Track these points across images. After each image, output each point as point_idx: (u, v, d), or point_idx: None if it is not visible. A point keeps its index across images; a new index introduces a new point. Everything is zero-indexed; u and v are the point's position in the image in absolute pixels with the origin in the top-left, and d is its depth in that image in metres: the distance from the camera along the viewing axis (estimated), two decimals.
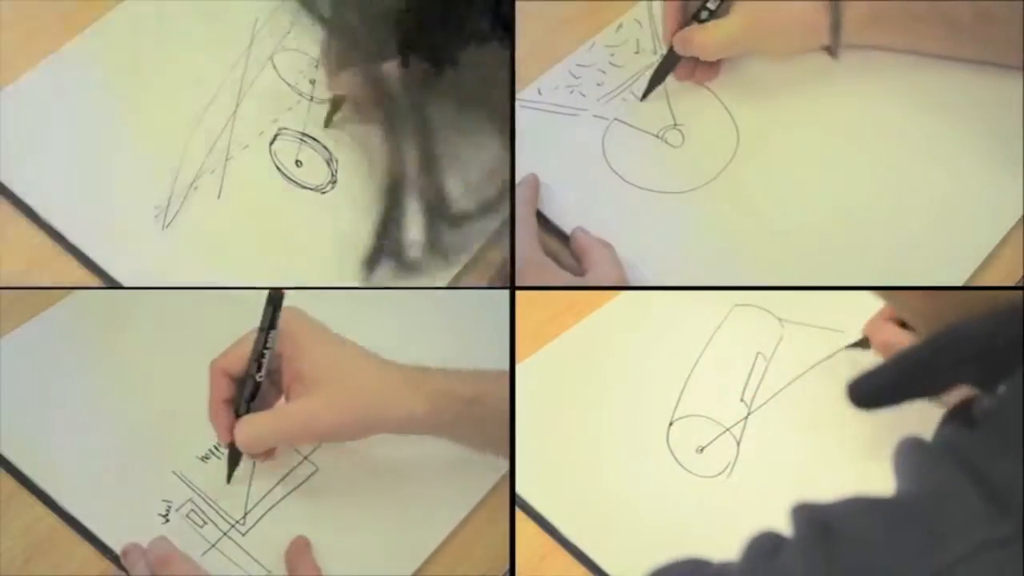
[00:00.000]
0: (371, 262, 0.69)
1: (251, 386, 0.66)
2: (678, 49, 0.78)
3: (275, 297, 0.67)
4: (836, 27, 0.77)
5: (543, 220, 0.76)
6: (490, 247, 0.76)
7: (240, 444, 0.66)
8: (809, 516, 0.41)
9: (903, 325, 0.72)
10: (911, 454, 0.43)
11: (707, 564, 0.45)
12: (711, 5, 0.77)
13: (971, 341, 0.44)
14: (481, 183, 0.67)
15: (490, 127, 0.60)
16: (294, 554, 0.67)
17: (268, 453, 0.69)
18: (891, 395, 0.48)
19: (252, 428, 0.65)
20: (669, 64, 0.80)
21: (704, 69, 0.81)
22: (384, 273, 0.69)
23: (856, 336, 0.76)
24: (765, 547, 0.43)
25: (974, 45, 0.78)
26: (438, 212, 0.66)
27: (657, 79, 0.80)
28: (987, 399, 0.43)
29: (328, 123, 0.78)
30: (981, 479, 0.38)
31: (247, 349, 0.67)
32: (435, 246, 0.68)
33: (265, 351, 0.66)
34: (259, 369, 0.66)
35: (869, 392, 0.49)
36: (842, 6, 0.76)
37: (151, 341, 0.77)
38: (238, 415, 0.66)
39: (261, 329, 0.66)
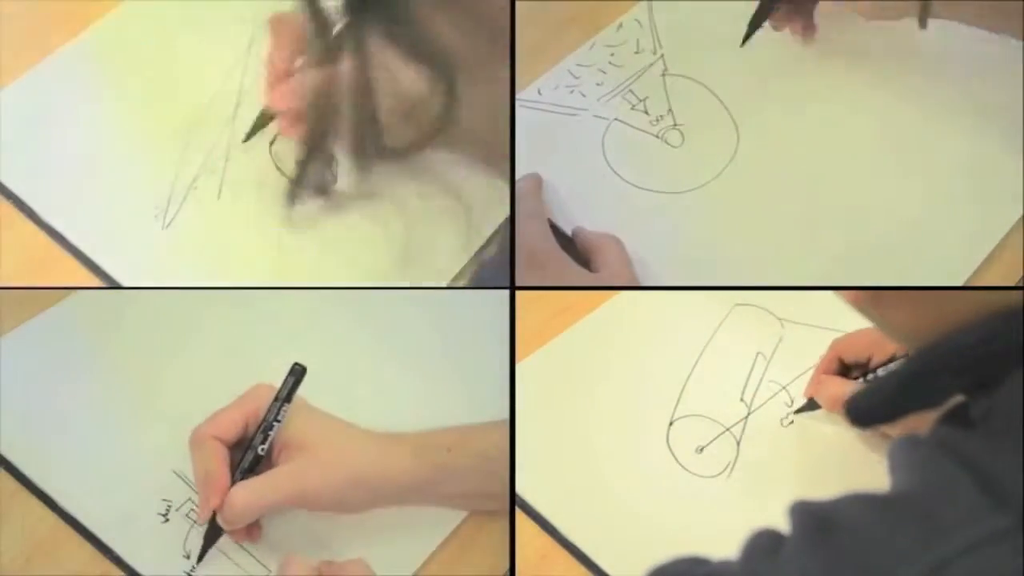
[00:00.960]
0: (293, 195, 0.67)
1: (251, 458, 0.65)
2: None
3: (298, 370, 0.67)
4: None
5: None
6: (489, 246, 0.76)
7: (236, 511, 0.63)
8: (807, 513, 0.42)
9: (843, 372, 0.73)
10: (907, 451, 0.43)
11: (705, 562, 0.45)
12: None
13: (966, 350, 0.44)
14: (411, 118, 0.64)
15: (417, 58, 0.57)
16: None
17: (252, 530, 0.67)
18: (889, 411, 0.48)
19: (247, 493, 0.64)
20: (766, 9, 0.80)
21: (798, 20, 0.81)
22: (309, 209, 0.67)
23: (800, 402, 0.76)
24: (764, 545, 0.43)
25: None
26: (368, 144, 0.63)
27: (755, 24, 0.81)
28: (984, 400, 0.43)
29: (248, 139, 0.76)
30: (980, 474, 0.38)
31: (234, 417, 0.66)
32: (362, 181, 0.65)
33: (275, 423, 0.66)
34: (264, 441, 0.65)
35: (867, 410, 0.49)
36: None
37: (151, 341, 0.77)
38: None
39: (277, 399, 0.66)
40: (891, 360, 0.71)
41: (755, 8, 0.80)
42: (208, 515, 0.65)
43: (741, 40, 0.81)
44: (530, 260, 0.70)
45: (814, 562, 0.39)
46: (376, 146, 0.59)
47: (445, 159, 0.63)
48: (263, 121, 0.75)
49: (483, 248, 0.73)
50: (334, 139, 0.61)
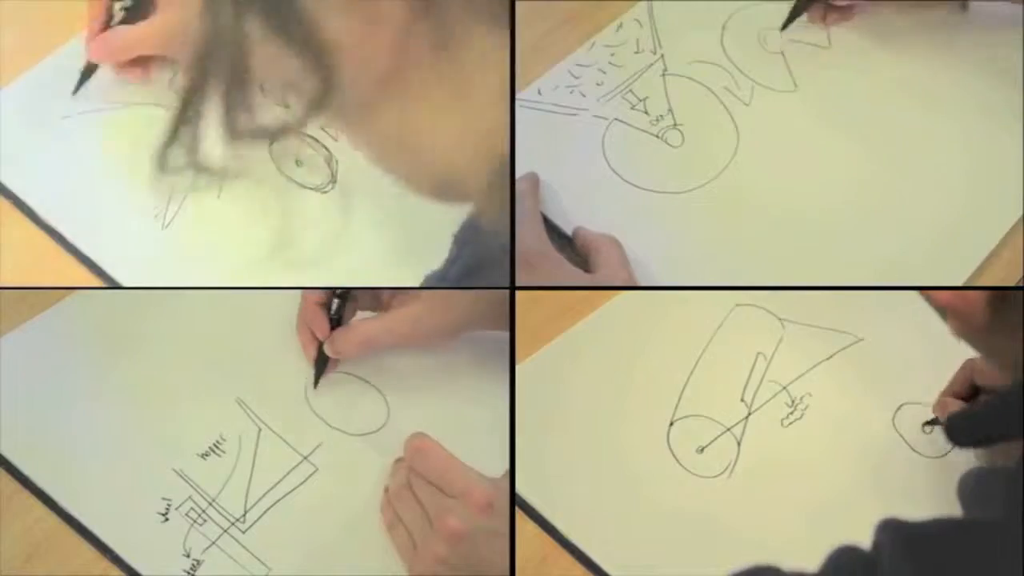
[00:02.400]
0: (162, 159, 0.66)
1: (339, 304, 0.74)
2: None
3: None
4: None
5: (543, 221, 0.76)
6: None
7: (355, 346, 0.73)
8: (898, 533, 0.42)
9: (972, 396, 0.71)
10: (986, 482, 0.44)
11: (780, 571, 0.46)
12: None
13: None
14: (286, 96, 0.64)
15: (286, 47, 0.57)
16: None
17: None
18: (984, 436, 0.49)
19: (366, 329, 0.73)
20: (804, 2, 0.81)
21: (836, 12, 0.82)
22: (179, 178, 0.67)
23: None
24: (853, 561, 0.43)
25: None
26: (244, 122, 0.63)
27: (795, 14, 0.82)
28: None
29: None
30: None
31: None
32: (236, 157, 0.65)
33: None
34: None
35: (963, 432, 0.50)
36: None
37: (151, 341, 0.77)
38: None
39: None
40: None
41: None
42: (314, 352, 0.75)
43: (782, 24, 0.83)
44: (523, 261, 0.70)
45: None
46: (247, 122, 0.59)
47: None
48: (87, 73, 0.77)
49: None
50: (204, 107, 0.61)
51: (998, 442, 0.48)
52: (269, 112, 0.60)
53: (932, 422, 0.73)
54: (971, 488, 0.46)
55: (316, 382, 0.75)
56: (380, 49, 0.53)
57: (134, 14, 0.75)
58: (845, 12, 0.82)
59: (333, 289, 0.74)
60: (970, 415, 0.49)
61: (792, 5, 0.82)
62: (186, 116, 0.60)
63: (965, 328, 0.48)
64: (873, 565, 0.42)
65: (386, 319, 0.75)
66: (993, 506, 0.43)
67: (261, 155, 0.66)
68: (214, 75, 0.57)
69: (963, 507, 0.46)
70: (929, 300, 0.50)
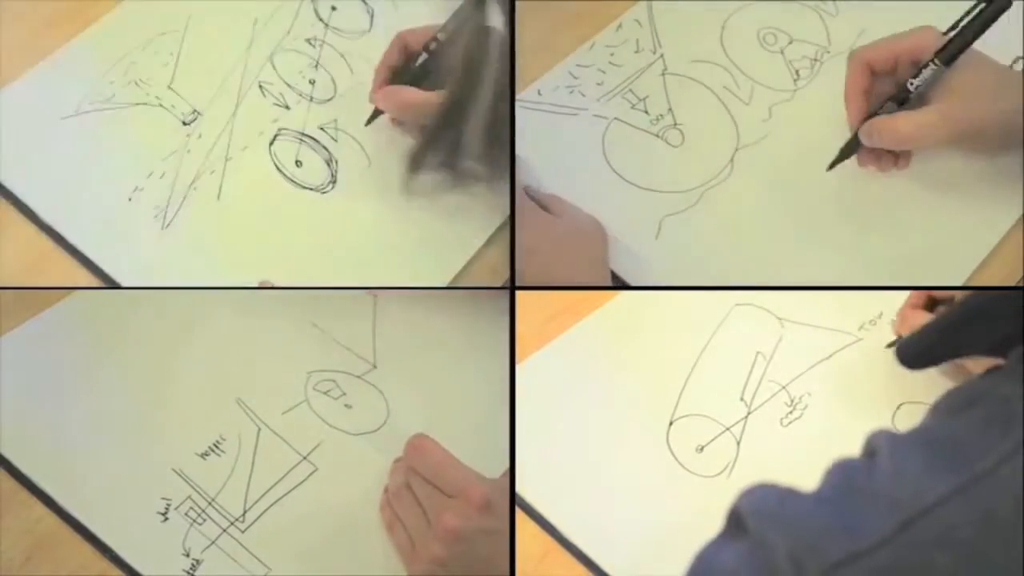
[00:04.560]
0: (417, 162, 0.69)
1: None
2: (865, 140, 0.74)
3: None
4: None
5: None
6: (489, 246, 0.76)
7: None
8: (892, 434, 0.48)
9: (930, 308, 0.72)
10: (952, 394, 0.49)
11: (783, 488, 0.49)
12: (913, 84, 0.72)
13: (1001, 301, 0.47)
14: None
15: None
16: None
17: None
18: (934, 355, 0.50)
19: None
20: (852, 147, 0.76)
21: (890, 158, 0.76)
22: (430, 181, 0.69)
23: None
24: (851, 466, 0.47)
25: None
26: (495, 128, 0.66)
27: (842, 158, 0.76)
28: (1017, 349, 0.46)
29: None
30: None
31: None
32: (490, 158, 0.68)
33: None
34: None
35: (915, 354, 0.52)
36: None
37: (151, 341, 0.77)
38: None
39: None
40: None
41: (848, 139, 0.76)
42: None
43: (828, 165, 0.77)
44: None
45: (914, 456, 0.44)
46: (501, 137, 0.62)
47: None
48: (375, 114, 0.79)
49: None
50: (465, 120, 0.64)
51: (944, 361, 0.51)
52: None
53: (895, 343, 0.73)
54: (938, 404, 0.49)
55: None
56: None
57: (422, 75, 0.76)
58: (900, 159, 0.77)
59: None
60: (918, 338, 0.51)
61: (842, 146, 0.77)
62: (447, 124, 0.64)
63: None
64: (869, 467, 0.46)
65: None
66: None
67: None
68: (478, 87, 0.61)
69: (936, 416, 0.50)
70: None
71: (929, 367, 0.52)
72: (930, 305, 0.73)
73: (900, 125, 0.73)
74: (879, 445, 0.46)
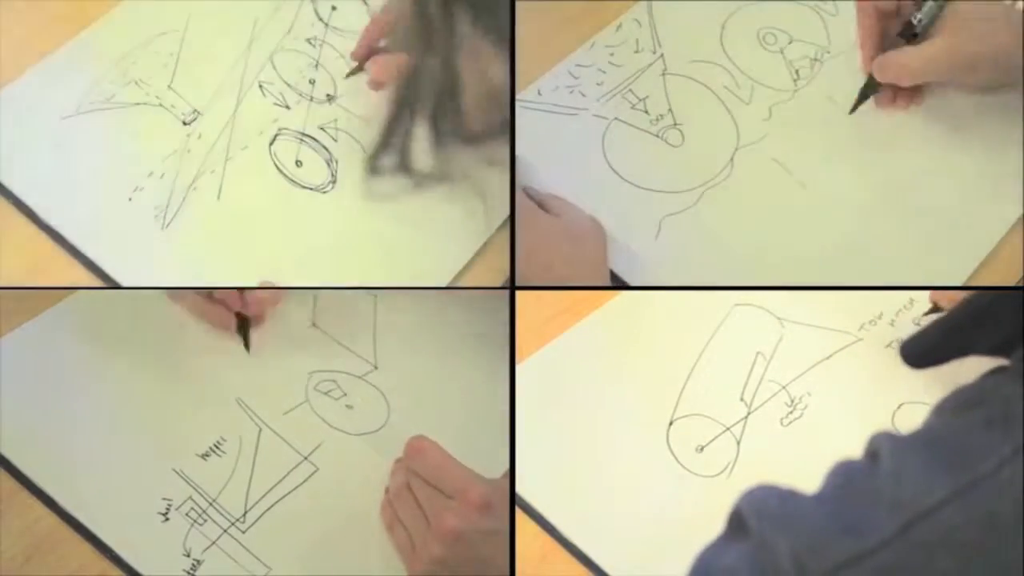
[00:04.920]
0: (375, 164, 0.69)
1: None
2: (877, 75, 0.77)
3: None
4: None
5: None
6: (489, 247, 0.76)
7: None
8: (893, 437, 0.47)
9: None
10: (955, 394, 0.48)
11: (784, 489, 0.48)
12: (917, 19, 0.75)
13: (1007, 301, 0.47)
14: (487, 106, 0.66)
15: (494, 48, 0.59)
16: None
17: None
18: (939, 355, 0.51)
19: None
20: (870, 89, 0.79)
21: (905, 95, 0.79)
22: (390, 182, 0.69)
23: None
24: (853, 468, 0.47)
25: None
26: (451, 127, 0.65)
27: (861, 100, 0.79)
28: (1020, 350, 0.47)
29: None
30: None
31: None
32: (444, 161, 0.67)
33: None
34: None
35: (920, 354, 0.52)
36: None
37: (151, 341, 0.77)
38: None
39: None
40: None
41: (865, 80, 0.79)
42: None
43: (850, 108, 0.80)
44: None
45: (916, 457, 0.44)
46: (456, 129, 0.61)
47: None
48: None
49: None
50: (415, 115, 0.63)
51: (949, 360, 0.51)
52: (476, 119, 0.62)
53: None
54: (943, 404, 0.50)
55: (247, 346, 0.77)
56: None
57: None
58: (915, 96, 0.80)
59: None
60: (922, 337, 0.51)
61: (860, 89, 0.79)
62: (398, 124, 0.63)
63: None
64: (871, 468, 0.46)
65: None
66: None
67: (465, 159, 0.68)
68: (426, 85, 0.60)
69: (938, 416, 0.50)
70: None
71: (933, 366, 0.52)
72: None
73: (908, 59, 0.76)
74: (881, 446, 0.46)
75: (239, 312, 0.75)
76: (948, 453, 0.43)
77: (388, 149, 0.66)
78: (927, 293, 0.77)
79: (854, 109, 0.80)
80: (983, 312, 0.49)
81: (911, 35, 0.76)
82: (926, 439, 0.45)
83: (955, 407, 0.47)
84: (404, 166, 0.66)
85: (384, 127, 0.65)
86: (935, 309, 0.76)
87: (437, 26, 0.57)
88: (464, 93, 0.62)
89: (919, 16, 0.75)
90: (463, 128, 0.64)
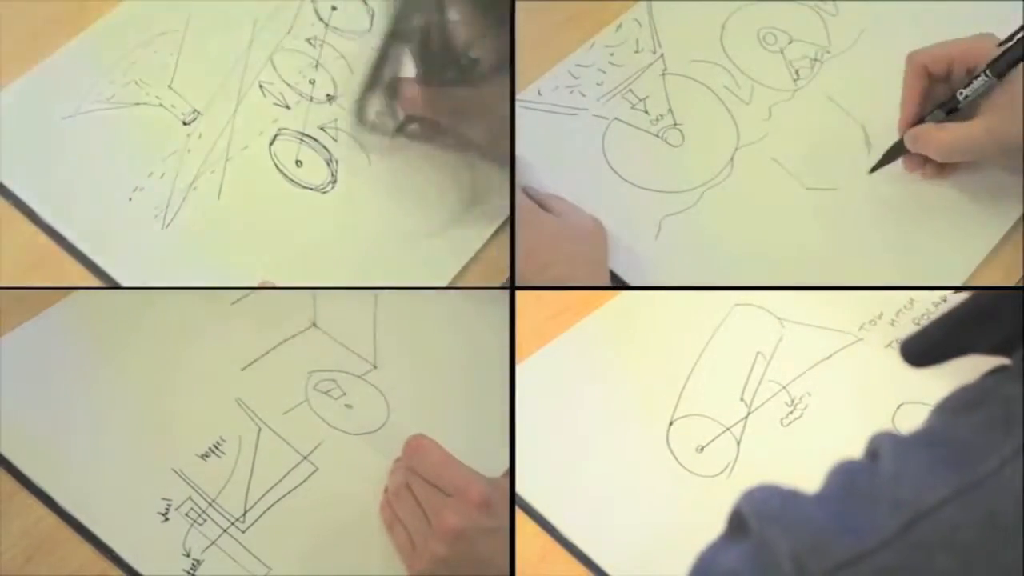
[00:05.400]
0: (362, 107, 0.68)
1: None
2: (908, 145, 0.74)
3: None
4: None
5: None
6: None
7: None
8: (894, 436, 0.47)
9: (928, 89, 0.73)
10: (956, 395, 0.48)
11: (785, 489, 0.48)
12: (963, 95, 0.72)
13: (1008, 300, 0.47)
14: (477, 44, 0.66)
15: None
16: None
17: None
18: (940, 354, 0.51)
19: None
20: (897, 152, 0.76)
21: (935, 166, 0.76)
22: (379, 129, 0.68)
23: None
24: (854, 467, 0.47)
25: None
26: (440, 64, 0.65)
27: (885, 161, 0.77)
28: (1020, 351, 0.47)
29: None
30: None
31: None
32: (432, 101, 0.67)
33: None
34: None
35: (920, 353, 0.52)
36: None
37: (151, 341, 0.77)
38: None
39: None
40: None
41: (892, 143, 0.77)
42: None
43: (870, 168, 0.77)
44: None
45: (917, 457, 0.44)
46: (445, 59, 0.60)
47: None
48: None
49: None
50: (402, 52, 0.63)
51: (949, 359, 0.50)
52: (457, 63, 0.62)
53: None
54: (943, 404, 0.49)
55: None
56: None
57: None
58: (944, 169, 0.77)
59: None
60: (922, 335, 0.51)
61: (887, 149, 0.77)
62: (385, 61, 0.62)
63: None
64: (872, 468, 0.46)
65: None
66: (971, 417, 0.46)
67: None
68: (411, 26, 0.59)
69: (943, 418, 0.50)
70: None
71: (934, 365, 0.52)
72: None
73: (944, 136, 0.73)
74: (881, 446, 0.46)
75: None
76: (949, 453, 0.43)
77: (375, 89, 0.65)
78: (927, 293, 0.77)
79: (875, 169, 0.77)
80: (984, 311, 0.49)
81: (953, 109, 0.73)
82: (927, 439, 0.45)
83: (956, 407, 0.47)
84: (392, 109, 0.65)
85: (372, 65, 0.64)
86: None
87: None
88: (451, 28, 0.62)
89: (965, 93, 0.72)
90: (453, 65, 0.63)
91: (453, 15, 0.61)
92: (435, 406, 0.77)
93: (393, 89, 0.67)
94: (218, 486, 0.70)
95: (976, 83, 0.71)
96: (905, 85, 0.75)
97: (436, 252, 0.76)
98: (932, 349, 0.51)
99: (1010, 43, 0.70)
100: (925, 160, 0.76)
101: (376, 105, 0.67)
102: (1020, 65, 0.70)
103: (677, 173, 0.78)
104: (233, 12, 0.83)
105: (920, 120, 0.75)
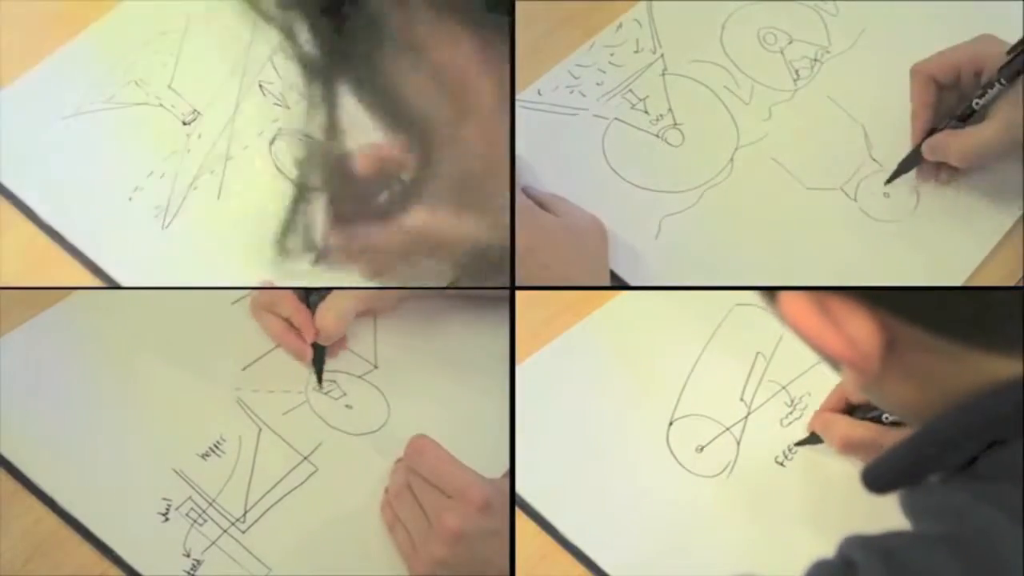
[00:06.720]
0: (283, 246, 0.68)
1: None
2: (927, 154, 0.74)
3: None
4: None
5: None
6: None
7: (333, 322, 0.74)
8: (868, 548, 0.44)
9: (848, 411, 0.71)
10: (933, 498, 0.46)
11: None
12: (978, 104, 0.72)
13: (982, 416, 0.45)
14: (389, 180, 0.65)
15: (390, 125, 0.58)
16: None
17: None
18: (906, 479, 0.50)
19: (338, 303, 0.74)
20: (912, 162, 0.76)
21: (948, 170, 0.76)
22: (299, 261, 0.68)
23: (803, 435, 0.74)
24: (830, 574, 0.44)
25: None
26: (347, 205, 0.64)
27: (901, 171, 0.77)
28: (996, 452, 0.45)
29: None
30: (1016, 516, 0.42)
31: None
32: (350, 240, 0.66)
33: None
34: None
35: (885, 481, 0.50)
36: None
37: (151, 341, 0.77)
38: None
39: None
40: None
41: (906, 153, 0.77)
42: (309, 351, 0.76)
43: (887, 179, 0.77)
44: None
45: None
46: (356, 207, 0.60)
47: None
48: None
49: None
50: (312, 195, 0.62)
51: (912, 484, 0.49)
52: (377, 195, 0.61)
53: (806, 441, 0.73)
54: (915, 503, 0.48)
55: (320, 379, 0.76)
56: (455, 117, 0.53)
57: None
58: (958, 171, 0.77)
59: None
60: (885, 463, 0.50)
61: (902, 160, 0.77)
62: (298, 205, 0.62)
63: (859, 380, 0.48)
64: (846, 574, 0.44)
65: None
66: (952, 521, 0.45)
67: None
68: (319, 165, 0.58)
69: (913, 518, 0.48)
70: (816, 352, 0.49)
71: (896, 491, 0.51)
72: (849, 409, 0.72)
73: (962, 142, 0.73)
74: (855, 560, 0.44)
75: (315, 343, 0.75)
76: None
77: (293, 230, 0.66)
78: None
79: (891, 180, 0.77)
80: (947, 437, 0.47)
81: (967, 116, 0.73)
82: (900, 563, 0.43)
83: (928, 524, 0.46)
84: (309, 245, 0.66)
85: (287, 209, 0.65)
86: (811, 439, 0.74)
87: (320, 104, 0.56)
88: (354, 168, 0.62)
89: (980, 102, 0.72)
90: (362, 206, 0.63)
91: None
92: (435, 406, 0.76)
93: (309, 227, 0.67)
94: (218, 486, 0.70)
95: (991, 92, 0.72)
96: (914, 97, 0.76)
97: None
98: (894, 476, 0.50)
99: (1020, 49, 0.71)
100: (939, 167, 0.76)
101: (295, 243, 0.67)
102: None
103: (677, 173, 0.78)
104: (232, 11, 0.83)
105: (933, 130, 0.75)
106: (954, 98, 0.75)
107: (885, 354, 0.45)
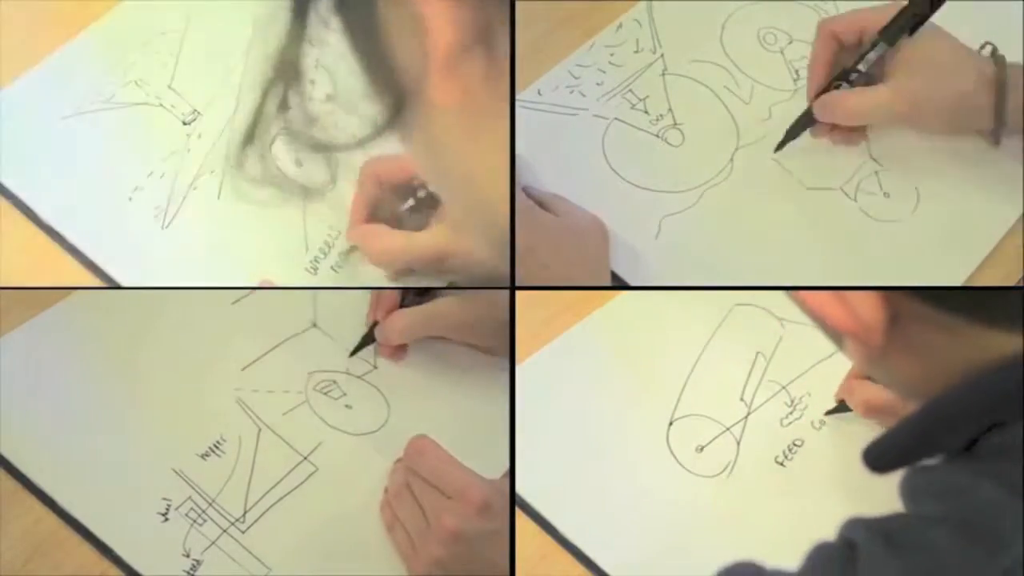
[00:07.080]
0: (240, 157, 0.67)
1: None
2: (817, 114, 0.75)
3: None
4: (1001, 112, 0.71)
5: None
6: None
7: (396, 333, 0.76)
8: (870, 530, 0.44)
9: (838, 56, 0.73)
10: (934, 478, 0.46)
11: (764, 570, 0.46)
12: (862, 67, 0.72)
13: (983, 396, 0.45)
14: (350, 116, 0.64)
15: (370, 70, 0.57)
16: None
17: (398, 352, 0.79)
18: (906, 459, 0.49)
19: (404, 318, 0.76)
20: (806, 122, 0.76)
21: (844, 132, 0.76)
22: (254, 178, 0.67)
23: (831, 403, 0.75)
24: (833, 558, 0.44)
25: None
26: (302, 133, 0.63)
27: (792, 135, 0.77)
28: (995, 435, 0.45)
29: None
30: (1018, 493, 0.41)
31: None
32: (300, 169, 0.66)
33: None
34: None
35: (885, 460, 0.50)
36: (1010, 88, 0.70)
37: (151, 341, 0.77)
38: None
39: None
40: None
41: (796, 118, 0.77)
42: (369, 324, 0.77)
43: (775, 146, 0.77)
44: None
45: (895, 573, 0.42)
46: (308, 136, 0.59)
47: None
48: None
49: None
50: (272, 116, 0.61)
51: (913, 463, 0.49)
52: (335, 129, 0.60)
53: (835, 409, 0.75)
54: (916, 485, 0.47)
55: (353, 351, 0.77)
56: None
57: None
58: (854, 134, 0.77)
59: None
60: (886, 443, 0.50)
61: (793, 123, 0.77)
62: (257, 127, 0.61)
63: (863, 353, 0.48)
64: (850, 559, 0.44)
65: (426, 308, 0.75)
66: (951, 500, 0.44)
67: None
68: (282, 87, 0.57)
69: (913, 501, 0.47)
70: (822, 327, 0.49)
71: (897, 470, 0.51)
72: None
73: (852, 101, 0.73)
74: (857, 541, 0.44)
75: (373, 325, 0.76)
76: (925, 565, 0.42)
77: (250, 143, 0.64)
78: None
79: (784, 143, 0.77)
80: (948, 414, 0.47)
81: (851, 78, 0.73)
82: (902, 547, 0.43)
83: (929, 504, 0.45)
84: (268, 175, 0.65)
85: (251, 115, 0.63)
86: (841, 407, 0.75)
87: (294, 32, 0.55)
88: (314, 97, 0.61)
89: (861, 67, 0.72)
90: (314, 136, 0.62)
91: None
92: (435, 406, 0.76)
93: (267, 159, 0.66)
94: (218, 486, 0.70)
95: (872, 52, 0.72)
96: (814, 53, 0.76)
97: None
98: (895, 456, 0.50)
99: (903, 9, 0.72)
100: (832, 127, 0.76)
101: (253, 160, 0.66)
102: (928, 28, 0.71)
103: (677, 173, 0.78)
104: (233, 12, 0.83)
105: (826, 89, 0.75)
106: (853, 60, 0.75)
107: (889, 327, 0.45)
